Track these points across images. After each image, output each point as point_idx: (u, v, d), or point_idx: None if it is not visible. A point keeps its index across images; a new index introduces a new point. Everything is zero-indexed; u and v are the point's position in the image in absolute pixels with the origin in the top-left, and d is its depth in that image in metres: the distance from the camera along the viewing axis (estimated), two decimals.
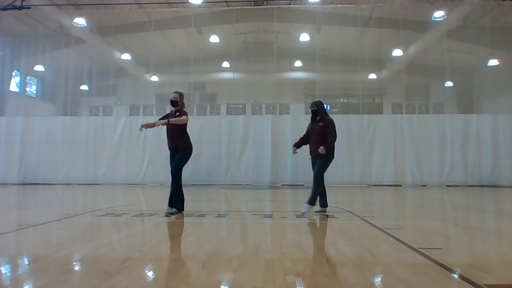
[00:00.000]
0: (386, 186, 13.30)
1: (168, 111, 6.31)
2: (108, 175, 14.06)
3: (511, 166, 13.31)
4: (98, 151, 14.24)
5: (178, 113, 6.08)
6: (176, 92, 6.17)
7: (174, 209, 5.88)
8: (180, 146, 6.07)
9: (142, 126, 6.08)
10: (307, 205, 5.75)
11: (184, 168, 6.16)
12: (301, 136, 6.42)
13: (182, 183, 6.07)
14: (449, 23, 15.15)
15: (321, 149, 5.80)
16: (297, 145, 6.40)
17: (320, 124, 6.09)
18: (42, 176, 14.28)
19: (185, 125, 6.08)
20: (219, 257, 3.39)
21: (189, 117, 6.10)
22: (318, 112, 6.18)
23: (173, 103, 6.10)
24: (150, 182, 13.59)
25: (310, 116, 6.27)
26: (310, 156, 6.19)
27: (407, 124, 13.91)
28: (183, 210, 6.03)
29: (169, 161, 6.13)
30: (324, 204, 6.14)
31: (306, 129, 6.38)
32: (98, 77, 18.93)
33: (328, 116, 6.22)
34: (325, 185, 6.13)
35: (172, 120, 5.93)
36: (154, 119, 6.78)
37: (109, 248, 3.82)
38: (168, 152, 6.22)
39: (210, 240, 4.29)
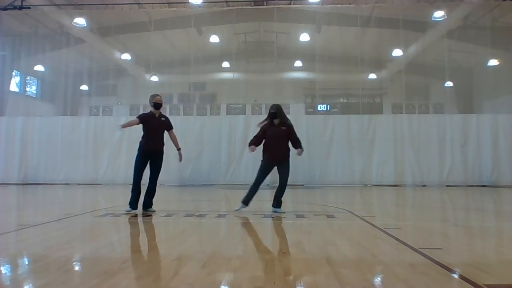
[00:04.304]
0: (386, 186, 13.30)
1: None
2: (108, 175, 14.06)
3: (511, 166, 13.32)
4: (98, 151, 14.23)
5: (164, 118, 6.21)
6: (159, 95, 6.26)
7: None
8: (162, 150, 6.20)
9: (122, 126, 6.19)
10: (279, 208, 6.16)
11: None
12: (256, 135, 6.26)
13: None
14: (449, 23, 15.14)
15: (300, 152, 6.15)
16: (257, 143, 6.26)
17: (283, 128, 6.15)
18: (42, 176, 14.28)
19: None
20: (219, 257, 3.39)
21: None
22: (278, 116, 6.18)
23: (158, 106, 6.20)
24: None
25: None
26: (266, 160, 6.19)
27: (407, 124, 13.91)
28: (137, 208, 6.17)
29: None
30: (248, 202, 6.23)
31: (261, 130, 6.23)
32: (98, 77, 18.93)
33: (288, 120, 6.27)
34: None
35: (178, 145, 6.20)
36: None
37: (109, 248, 3.82)
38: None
39: (210, 240, 4.29)
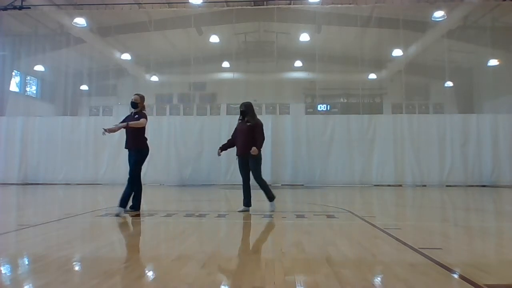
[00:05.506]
0: (386, 186, 13.30)
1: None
2: (108, 175, 14.04)
3: (511, 166, 13.32)
4: (98, 151, 14.22)
5: (137, 116, 6.18)
6: (137, 94, 6.32)
7: (123, 209, 5.91)
8: (134, 147, 6.12)
9: (105, 130, 6.07)
10: (272, 202, 6.23)
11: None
12: (229, 139, 6.56)
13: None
14: (449, 23, 15.14)
15: (253, 150, 6.03)
16: (224, 147, 6.52)
17: (248, 124, 6.24)
18: (42, 176, 14.28)
19: (142, 127, 6.13)
20: (219, 257, 3.39)
21: (147, 119, 6.18)
22: (246, 113, 6.29)
23: (134, 105, 6.19)
24: (150, 182, 13.46)
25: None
26: (236, 155, 6.37)
27: (407, 124, 13.91)
28: (139, 209, 6.17)
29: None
30: (248, 203, 6.31)
31: (234, 130, 6.49)
32: (98, 77, 18.92)
33: (256, 118, 6.36)
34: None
35: (131, 123, 5.98)
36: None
37: (109, 248, 3.82)
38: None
39: (210, 240, 4.29)
